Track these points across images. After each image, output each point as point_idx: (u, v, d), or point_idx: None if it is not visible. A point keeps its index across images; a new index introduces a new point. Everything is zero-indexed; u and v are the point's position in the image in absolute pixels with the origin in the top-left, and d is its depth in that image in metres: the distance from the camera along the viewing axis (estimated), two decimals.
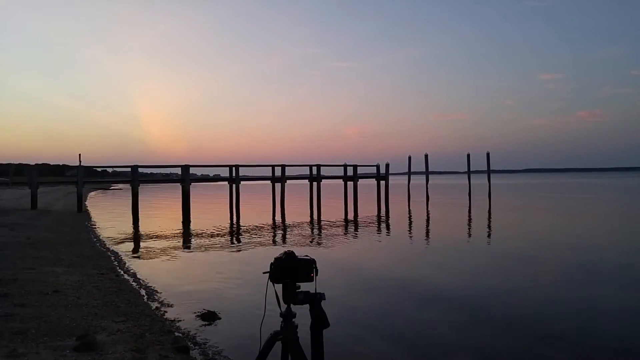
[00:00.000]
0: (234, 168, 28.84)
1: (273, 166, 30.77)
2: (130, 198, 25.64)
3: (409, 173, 38.84)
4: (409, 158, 38.47)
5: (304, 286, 2.20)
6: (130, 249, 13.86)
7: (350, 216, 24.89)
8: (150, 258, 12.31)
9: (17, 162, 31.03)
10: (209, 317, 6.57)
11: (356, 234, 17.89)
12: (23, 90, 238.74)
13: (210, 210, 30.80)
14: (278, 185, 30.57)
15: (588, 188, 56.67)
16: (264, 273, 2.19)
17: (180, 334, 5.72)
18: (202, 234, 17.90)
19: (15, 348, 4.50)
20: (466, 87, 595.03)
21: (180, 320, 6.41)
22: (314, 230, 19.36)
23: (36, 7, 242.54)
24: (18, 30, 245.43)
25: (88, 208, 30.62)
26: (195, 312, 6.78)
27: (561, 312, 7.11)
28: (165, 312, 6.84)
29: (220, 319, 6.57)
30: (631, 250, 13.17)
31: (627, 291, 8.38)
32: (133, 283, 8.77)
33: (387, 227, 20.09)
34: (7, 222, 16.98)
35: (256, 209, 30.52)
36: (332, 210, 28.48)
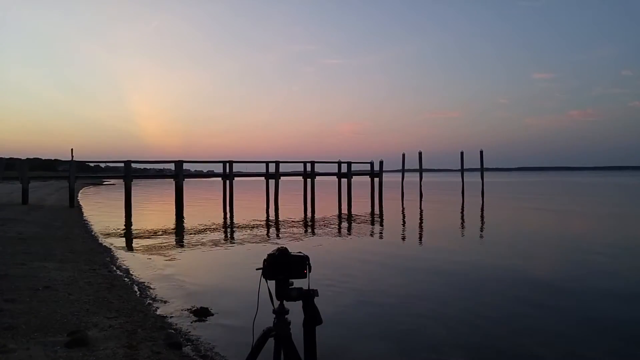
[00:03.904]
0: (227, 164, 28.78)
1: (267, 162, 30.78)
2: (123, 193, 25.52)
3: (403, 170, 38.95)
4: (403, 155, 38.57)
5: (297, 282, 2.19)
6: (123, 245, 13.80)
7: (344, 213, 24.92)
8: (143, 254, 12.25)
9: (8, 157, 30.75)
10: (201, 313, 6.56)
11: (349, 230, 17.92)
12: (14, 83, 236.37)
13: (203, 206, 30.70)
14: (272, 182, 30.55)
15: (575, 187, 57.01)
16: (257, 269, 2.18)
17: (172, 330, 5.69)
18: (195, 230, 17.85)
19: (6, 344, 4.47)
20: (460, 85, 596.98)
21: (173, 317, 6.39)
22: (308, 226, 19.36)
23: (31, 2, 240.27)
24: (12, 25, 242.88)
25: (80, 203, 30.44)
26: (188, 308, 6.76)
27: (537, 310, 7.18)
28: (158, 308, 6.81)
29: (212, 315, 6.56)
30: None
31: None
32: (125, 279, 8.72)
33: (381, 224, 20.14)
34: None
35: (250, 205, 30.48)
36: (326, 206, 28.49)
